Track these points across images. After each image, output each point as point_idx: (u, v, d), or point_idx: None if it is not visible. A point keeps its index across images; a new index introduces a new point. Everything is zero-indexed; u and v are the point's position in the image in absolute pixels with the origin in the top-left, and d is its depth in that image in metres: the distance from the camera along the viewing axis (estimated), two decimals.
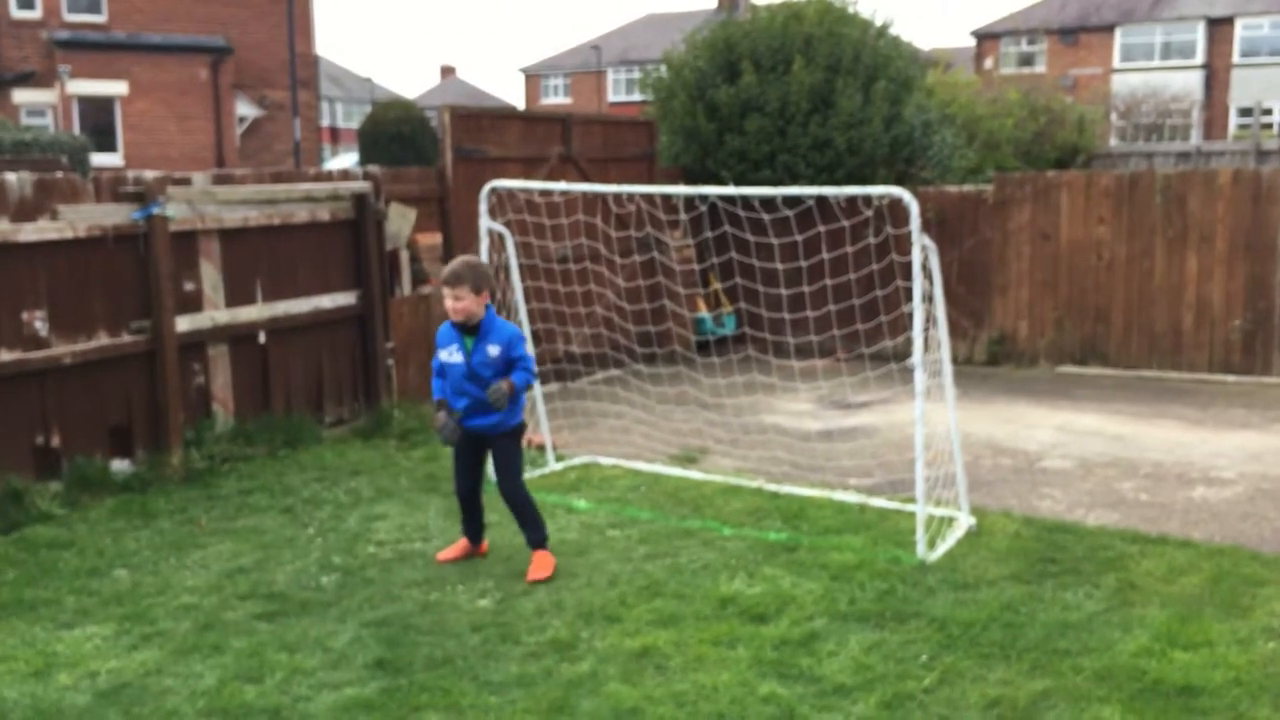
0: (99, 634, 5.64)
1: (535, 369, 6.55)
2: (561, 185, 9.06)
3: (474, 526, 6.75)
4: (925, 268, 6.71)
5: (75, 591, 6.18)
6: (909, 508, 7.15)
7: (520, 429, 6.59)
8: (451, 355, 6.38)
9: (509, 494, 6.53)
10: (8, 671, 5.23)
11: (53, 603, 6.03)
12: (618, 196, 12.32)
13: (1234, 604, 5.94)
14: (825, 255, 10.18)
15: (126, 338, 8.17)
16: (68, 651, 5.44)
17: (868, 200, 11.78)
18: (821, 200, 10.19)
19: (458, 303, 6.22)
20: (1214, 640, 5.44)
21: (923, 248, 6.66)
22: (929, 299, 6.80)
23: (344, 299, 9.81)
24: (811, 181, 13.37)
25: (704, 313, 14.20)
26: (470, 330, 6.31)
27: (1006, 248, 13.48)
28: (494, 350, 6.30)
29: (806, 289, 10.65)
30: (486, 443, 6.56)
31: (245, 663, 5.30)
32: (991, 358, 13.57)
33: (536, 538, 6.56)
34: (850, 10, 14.69)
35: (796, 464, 8.71)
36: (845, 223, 10.22)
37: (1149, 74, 40.94)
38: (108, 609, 5.95)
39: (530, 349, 8.15)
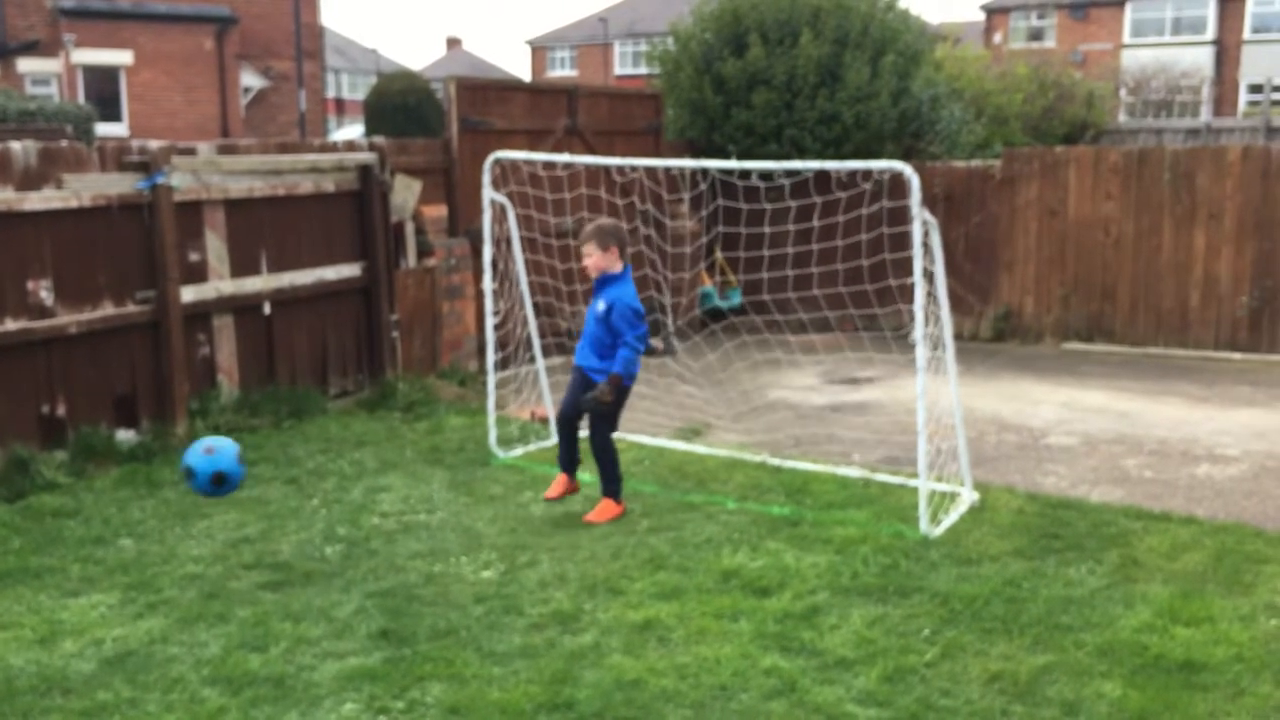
0: (104, 602, 5.67)
1: (638, 342, 6.87)
2: (565, 157, 9.03)
3: (568, 458, 7.22)
4: (926, 243, 6.69)
5: (81, 560, 6.20)
6: (912, 483, 7.15)
7: (625, 392, 7.03)
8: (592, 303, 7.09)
9: (594, 442, 7.05)
10: (13, 639, 5.26)
11: (58, 571, 6.06)
12: (622, 169, 12.28)
13: (1236, 581, 5.94)
14: (828, 230, 10.15)
15: (132, 307, 8.18)
16: (73, 619, 5.47)
17: (868, 174, 11.75)
18: (824, 175, 10.17)
19: (588, 259, 6.99)
20: (1216, 617, 5.45)
21: (924, 223, 6.64)
22: (930, 275, 6.78)
23: (349, 270, 9.80)
24: (819, 156, 13.31)
25: (709, 286, 14.18)
26: (600, 284, 7.00)
27: (1014, 224, 13.43)
28: (602, 305, 6.91)
29: (811, 263, 10.63)
30: (590, 389, 6.99)
31: (250, 632, 5.32)
32: (997, 334, 13.55)
33: (607, 489, 7.07)
34: None
35: (800, 438, 8.71)
36: (843, 195, 10.19)
37: (1159, 49, 40.65)
38: (113, 577, 5.98)
39: (532, 322, 8.16)
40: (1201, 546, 6.42)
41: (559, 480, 7.29)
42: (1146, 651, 5.11)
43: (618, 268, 6.95)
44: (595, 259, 6.93)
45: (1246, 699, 4.73)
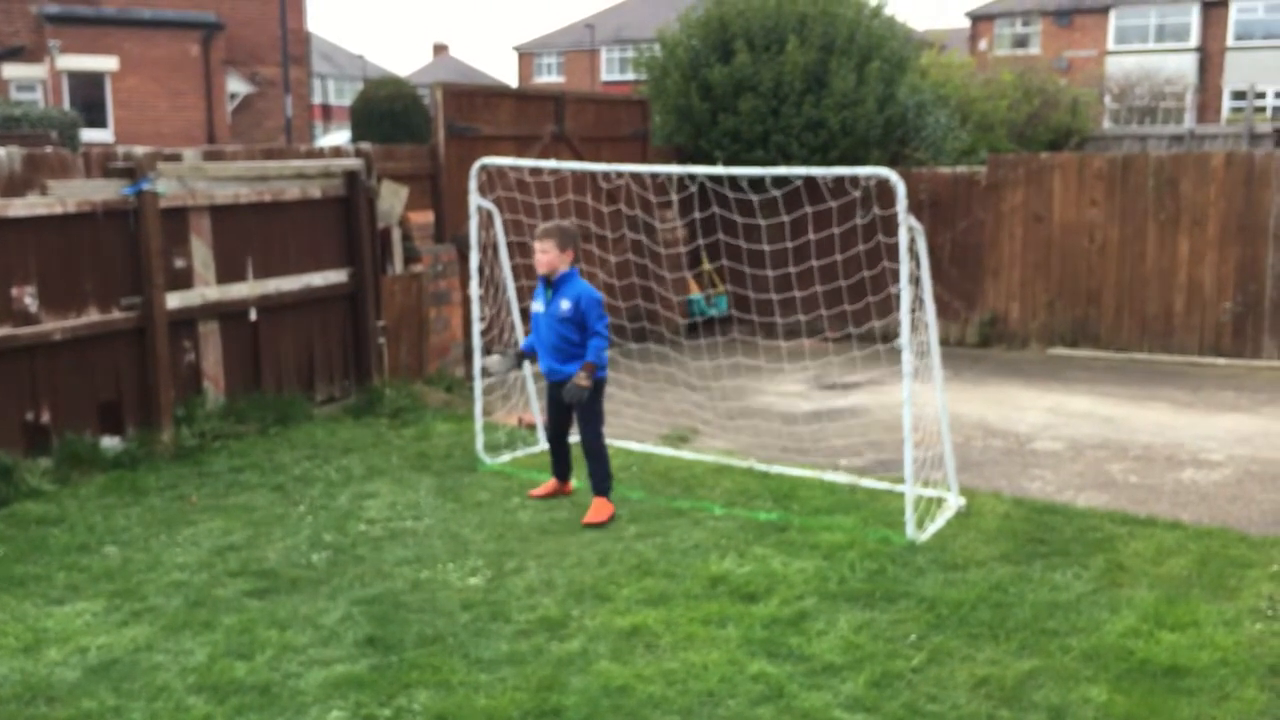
0: (89, 610, 5.64)
1: (606, 331, 7.02)
2: (551, 163, 9.04)
3: (562, 467, 7.46)
4: (912, 249, 6.71)
5: (65, 568, 6.17)
6: (899, 488, 7.16)
7: (600, 384, 7.10)
8: (536, 305, 7.21)
9: (585, 442, 7.10)
10: None
11: (43, 579, 6.02)
12: (608, 175, 12.29)
13: (1221, 585, 5.97)
14: (813, 236, 10.17)
15: (117, 314, 8.14)
16: (58, 627, 5.44)
17: (855, 181, 11.78)
18: (811, 182, 10.19)
19: (543, 255, 7.03)
20: (1201, 621, 5.47)
21: (910, 229, 6.66)
22: (916, 280, 6.80)
23: (335, 276, 9.78)
24: (805, 162, 13.34)
25: (696, 293, 14.19)
26: (551, 284, 7.06)
27: (999, 229, 13.48)
28: (565, 304, 6.99)
29: (794, 270, 10.65)
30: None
31: (236, 639, 5.30)
32: (983, 339, 13.59)
33: (600, 487, 7.12)
34: None
35: (787, 445, 8.72)
36: (833, 203, 10.21)
37: (1143, 56, 40.89)
38: (98, 585, 5.95)
39: (519, 328, 8.16)
40: (1186, 551, 6.45)
41: (549, 483, 7.48)
42: (1132, 656, 5.13)
43: (566, 268, 7.07)
44: (551, 256, 7.02)
45: (1231, 703, 4.75)
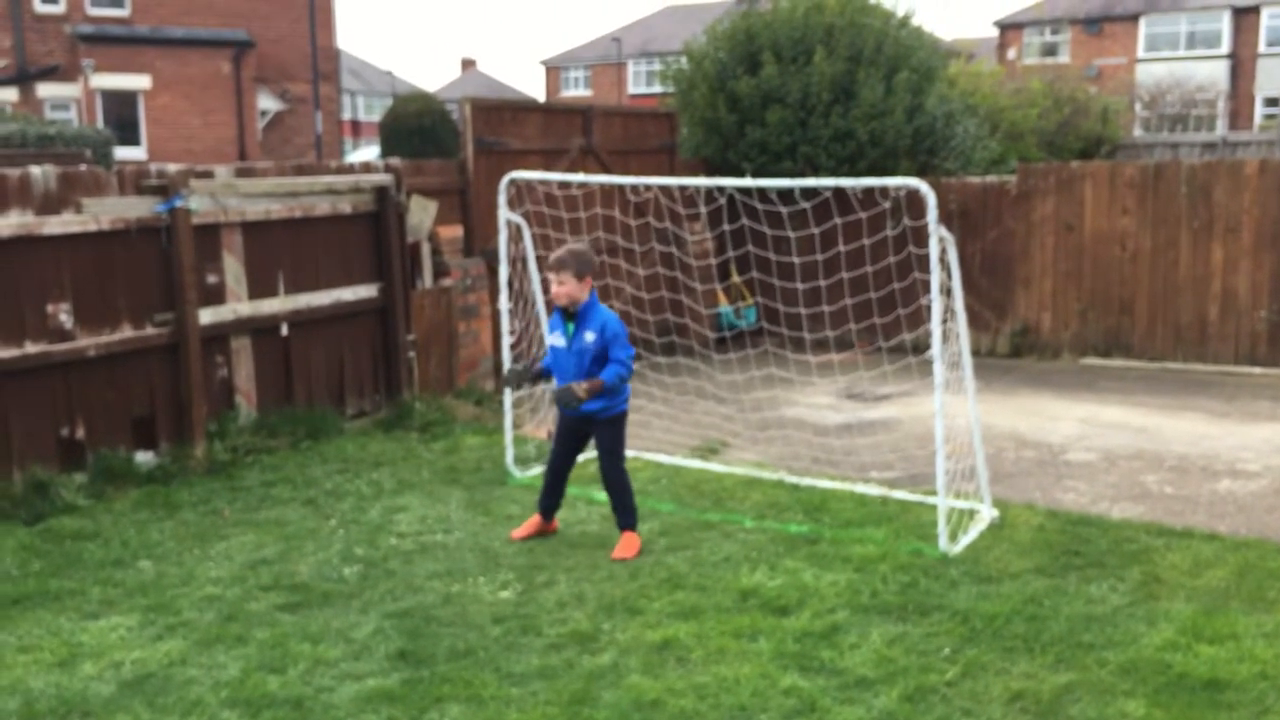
0: (124, 624, 5.67)
1: (629, 363, 6.61)
2: (579, 176, 9.05)
3: (551, 503, 6.99)
4: (943, 260, 6.67)
5: (100, 582, 6.22)
6: (931, 500, 7.12)
7: (622, 416, 6.81)
8: (555, 339, 6.71)
9: (608, 477, 6.78)
10: (33, 661, 5.27)
11: (78, 593, 6.07)
12: (636, 188, 12.30)
13: (1260, 597, 5.89)
14: (843, 248, 10.14)
15: (150, 330, 8.21)
16: (93, 642, 5.48)
17: (885, 192, 11.73)
18: (840, 193, 10.16)
19: (560, 287, 6.51)
20: (1240, 634, 5.40)
21: (940, 239, 6.62)
22: (947, 291, 6.76)
23: (365, 291, 9.83)
24: (833, 173, 13.33)
25: (725, 305, 14.17)
26: (572, 316, 6.60)
27: (1030, 239, 13.40)
28: (590, 336, 6.54)
29: (824, 282, 10.62)
30: (590, 427, 6.79)
31: (268, 653, 5.32)
32: (1014, 349, 13.51)
33: (626, 521, 6.78)
34: (872, 0, 14.62)
35: (818, 456, 8.69)
36: (863, 214, 10.18)
37: (1174, 64, 40.62)
38: (132, 599, 5.99)
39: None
40: (1224, 563, 6.37)
41: (532, 520, 7.02)
42: (1170, 670, 5.07)
43: (586, 297, 6.57)
44: (569, 288, 6.48)
45: (1272, 717, 4.68)
